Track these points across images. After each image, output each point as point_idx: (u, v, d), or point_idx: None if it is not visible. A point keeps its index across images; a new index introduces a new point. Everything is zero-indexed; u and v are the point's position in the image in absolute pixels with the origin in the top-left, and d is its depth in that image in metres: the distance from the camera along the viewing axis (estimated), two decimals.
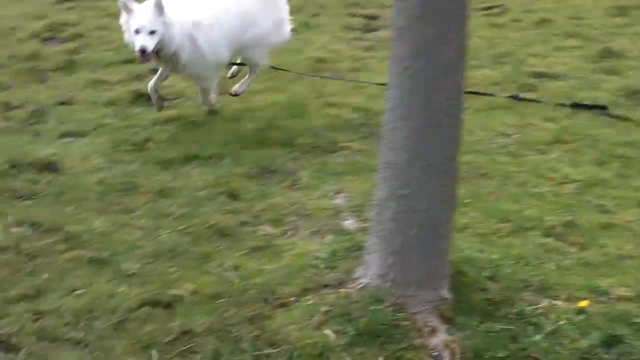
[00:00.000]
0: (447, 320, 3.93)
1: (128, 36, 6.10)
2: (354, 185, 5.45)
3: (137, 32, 5.91)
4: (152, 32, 5.90)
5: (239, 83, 6.97)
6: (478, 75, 7.75)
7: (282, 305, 4.05)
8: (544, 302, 4.17)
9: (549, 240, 4.87)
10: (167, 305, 4.11)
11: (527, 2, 10.88)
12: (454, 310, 3.98)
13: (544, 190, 5.49)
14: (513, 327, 3.92)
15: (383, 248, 4.01)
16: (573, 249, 4.76)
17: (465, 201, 5.26)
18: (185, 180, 5.59)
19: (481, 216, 5.12)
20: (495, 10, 10.45)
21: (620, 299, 4.25)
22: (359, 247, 4.32)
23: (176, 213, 5.15)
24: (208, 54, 6.33)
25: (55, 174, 5.69)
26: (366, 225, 4.49)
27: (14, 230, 4.88)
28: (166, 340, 3.81)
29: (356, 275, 4.16)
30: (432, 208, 3.92)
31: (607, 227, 5.03)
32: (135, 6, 5.96)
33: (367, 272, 4.09)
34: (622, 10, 10.36)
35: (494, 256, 4.55)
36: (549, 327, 3.95)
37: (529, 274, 4.42)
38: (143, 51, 5.88)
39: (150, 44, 5.89)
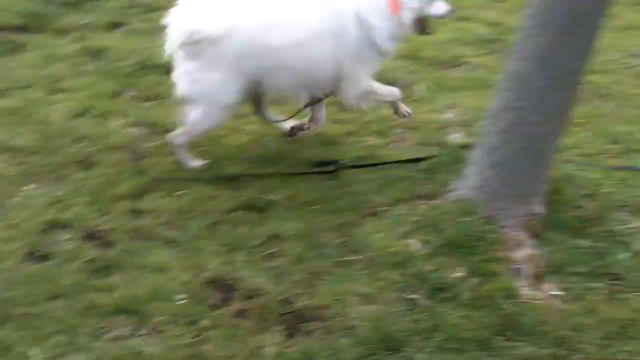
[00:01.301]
0: (535, 234, 4.03)
1: None
2: (468, 100, 5.51)
3: None
4: None
5: None
6: None
7: (372, 214, 4.20)
8: (638, 222, 4.20)
9: None
10: (261, 210, 4.27)
11: None
12: (544, 226, 4.07)
13: None
14: (601, 244, 3.99)
15: (485, 160, 4.09)
16: None
17: (579, 121, 5.26)
18: None
19: (591, 136, 5.13)
20: None
21: None
22: (461, 161, 4.39)
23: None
24: None
25: None
26: (471, 140, 4.55)
27: (131, 130, 5.08)
28: (254, 243, 3.99)
29: (452, 187, 4.27)
30: (545, 122, 3.95)
31: None
32: None
33: (464, 184, 4.20)
34: None
35: (596, 175, 4.57)
36: (638, 247, 4.00)
37: (628, 195, 4.43)
38: None
39: None
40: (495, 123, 4.01)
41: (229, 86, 4.50)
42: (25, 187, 4.42)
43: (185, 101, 4.58)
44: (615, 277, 3.80)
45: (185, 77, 4.50)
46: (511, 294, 3.68)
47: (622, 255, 3.92)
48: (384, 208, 4.25)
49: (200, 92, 4.51)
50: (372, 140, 5.03)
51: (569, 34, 3.75)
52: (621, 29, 6.78)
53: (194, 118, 4.58)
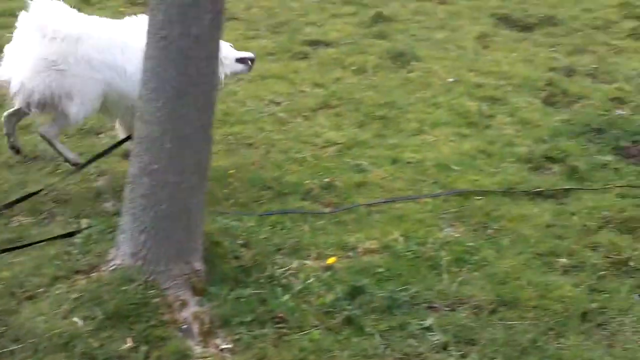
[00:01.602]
0: (199, 292, 4.00)
1: None
2: (117, 165, 5.42)
3: None
4: None
5: None
6: (254, 45, 7.88)
7: (30, 297, 3.96)
8: (295, 264, 4.36)
9: (306, 203, 5.07)
10: None
11: None
12: (206, 281, 4.07)
13: (306, 155, 5.69)
14: (262, 291, 4.05)
15: (135, 226, 4.02)
16: (327, 209, 4.97)
17: (229, 172, 5.41)
18: None
19: (243, 185, 5.24)
20: None
21: (366, 252, 4.51)
22: (116, 229, 4.26)
23: None
24: None
25: None
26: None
27: None
28: None
29: (109, 257, 4.15)
30: (184, 181, 3.96)
31: (361, 185, 5.30)
32: None
33: (120, 253, 4.09)
34: None
35: (251, 223, 4.69)
36: (297, 287, 4.13)
37: (283, 238, 4.60)
38: None
39: None
40: (136, 188, 3.98)
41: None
42: None
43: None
44: (280, 320, 3.87)
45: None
46: (183, 356, 3.61)
47: (284, 298, 4.01)
48: (42, 289, 4.00)
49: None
50: (21, 219, 4.75)
51: (185, 95, 3.82)
52: (258, 78, 7.07)
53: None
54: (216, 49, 3.95)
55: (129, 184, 4.05)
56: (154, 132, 3.88)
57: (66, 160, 5.28)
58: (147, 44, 3.85)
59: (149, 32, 3.84)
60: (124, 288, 3.89)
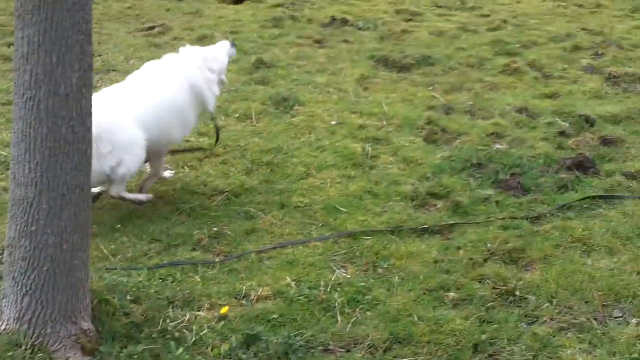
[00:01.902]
0: (90, 352, 3.91)
1: None
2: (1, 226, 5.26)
3: None
4: None
5: None
6: None
7: None
8: (188, 316, 4.32)
9: (196, 253, 5.04)
10: None
11: (188, 20, 11.16)
12: (97, 341, 3.98)
13: (194, 205, 5.66)
14: (155, 346, 4.00)
15: (17, 290, 3.91)
16: (218, 258, 4.95)
17: (115, 226, 5.33)
18: None
19: (131, 240, 5.17)
20: (155, 30, 10.57)
21: (260, 299, 4.51)
22: None
23: None
24: None
25: None
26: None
27: None
28: None
29: None
30: (64, 241, 3.88)
31: (251, 232, 5.31)
32: None
33: (4, 317, 3.96)
34: (276, 22, 10.94)
35: (141, 278, 4.63)
36: (191, 339, 4.10)
37: (173, 290, 4.55)
38: None
39: None
40: (16, 251, 3.89)
41: None
42: None
43: None
44: None
45: None
46: None
47: (178, 352, 3.96)
48: None
49: None
50: None
51: (59, 154, 3.77)
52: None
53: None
54: (89, 105, 3.90)
55: (8, 247, 3.96)
56: (29, 194, 3.80)
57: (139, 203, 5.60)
58: (15, 104, 3.79)
59: (16, 93, 3.78)
60: (10, 353, 3.79)
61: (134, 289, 4.48)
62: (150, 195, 5.68)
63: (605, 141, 6.89)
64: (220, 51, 6.21)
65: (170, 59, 5.92)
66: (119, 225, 5.34)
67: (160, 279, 4.68)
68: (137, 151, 5.38)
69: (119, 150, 5.27)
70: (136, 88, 5.63)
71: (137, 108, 5.45)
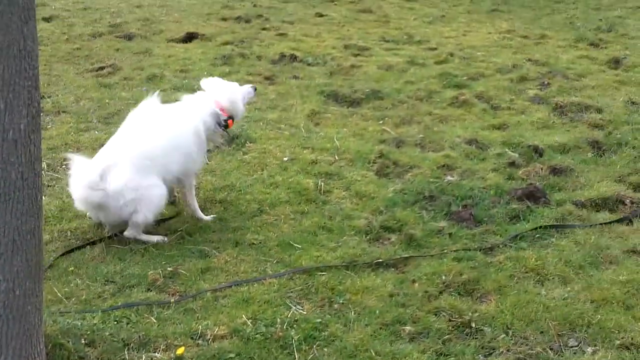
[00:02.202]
0: None
1: None
2: None
3: None
4: None
5: None
6: (86, 138, 7.77)
7: None
8: (143, 358, 4.29)
9: (151, 294, 4.99)
10: None
11: (138, 59, 11.12)
12: None
13: (148, 245, 5.62)
14: None
15: None
16: (173, 298, 4.91)
17: (69, 269, 5.27)
18: None
19: (85, 282, 5.11)
20: (105, 70, 10.51)
21: (216, 338, 4.48)
22: None
23: None
24: None
25: None
26: None
27: None
28: None
29: None
30: (17, 287, 3.81)
31: (206, 271, 5.28)
32: None
33: None
34: (226, 60, 10.96)
35: (95, 320, 4.57)
36: None
37: (130, 332, 4.51)
38: None
39: None
40: None
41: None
42: None
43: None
44: None
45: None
46: None
47: None
48: None
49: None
50: None
51: (9, 200, 3.73)
52: None
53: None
54: (38, 151, 3.87)
55: None
56: None
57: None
58: None
59: None
60: None
61: (88, 332, 4.42)
62: (164, 238, 5.77)
63: (555, 171, 7.02)
64: (239, 97, 6.50)
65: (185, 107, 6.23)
66: (73, 268, 5.28)
67: (115, 321, 4.63)
68: (154, 199, 5.69)
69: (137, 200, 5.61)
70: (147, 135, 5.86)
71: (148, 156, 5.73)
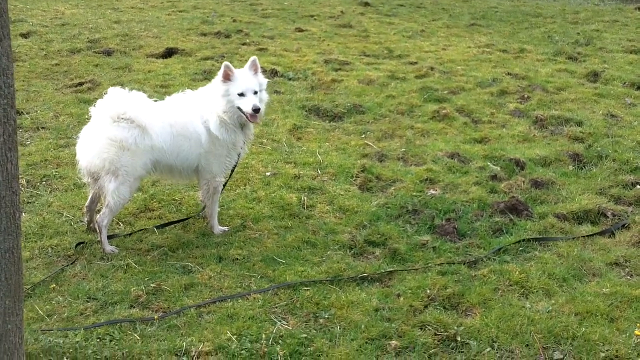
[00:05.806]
0: None
1: (227, 102, 5.95)
2: None
3: (241, 95, 5.90)
4: (255, 92, 5.95)
5: None
6: (66, 153, 7.70)
7: None
8: None
9: (135, 310, 4.94)
10: None
11: (117, 75, 11.08)
12: None
13: (130, 262, 5.56)
14: None
15: None
16: (157, 315, 4.86)
17: (51, 286, 5.20)
18: None
19: (67, 299, 5.05)
20: (84, 86, 10.45)
21: (200, 354, 4.44)
22: None
23: None
24: None
25: None
26: None
27: None
28: None
29: None
30: None
31: (189, 287, 5.24)
32: (235, 71, 5.94)
33: None
34: (206, 75, 10.95)
35: (77, 338, 4.52)
36: None
37: (113, 350, 4.45)
38: (256, 110, 5.85)
39: (258, 102, 5.93)
40: None
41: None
42: None
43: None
44: None
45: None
46: None
47: None
48: None
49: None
50: None
51: None
52: (73, 187, 6.90)
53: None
54: (15, 169, 3.83)
55: None
56: None
57: (102, 248, 5.78)
58: None
59: None
60: None
61: (71, 350, 4.37)
62: (115, 249, 5.80)
63: (537, 184, 7.05)
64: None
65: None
66: (54, 285, 5.22)
67: (98, 338, 4.58)
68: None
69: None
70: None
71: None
